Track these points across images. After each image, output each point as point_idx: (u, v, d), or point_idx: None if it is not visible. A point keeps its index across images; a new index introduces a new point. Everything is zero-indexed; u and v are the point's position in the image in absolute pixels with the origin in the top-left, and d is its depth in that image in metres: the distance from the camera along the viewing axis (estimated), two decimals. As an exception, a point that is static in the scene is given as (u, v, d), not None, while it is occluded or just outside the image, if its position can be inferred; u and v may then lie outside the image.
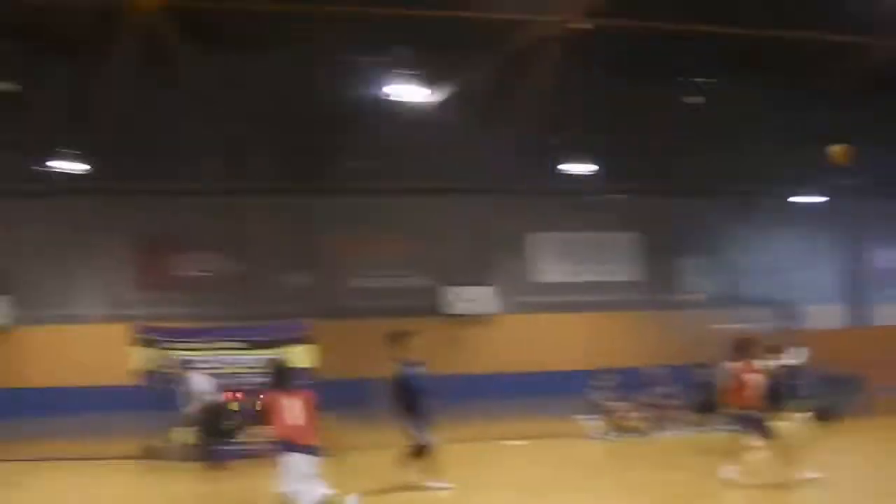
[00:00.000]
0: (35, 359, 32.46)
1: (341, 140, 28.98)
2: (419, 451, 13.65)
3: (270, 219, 33.57)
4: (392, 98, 24.58)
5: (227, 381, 18.35)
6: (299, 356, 17.77)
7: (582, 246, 36.91)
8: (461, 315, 34.65)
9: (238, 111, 26.89)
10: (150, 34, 20.17)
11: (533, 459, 17.85)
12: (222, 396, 18.02)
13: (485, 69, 25.85)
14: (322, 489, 10.46)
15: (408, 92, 24.28)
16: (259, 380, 17.57)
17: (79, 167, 28.64)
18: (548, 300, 36.03)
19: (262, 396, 11.63)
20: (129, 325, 19.69)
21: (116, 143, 27.54)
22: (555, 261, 36.76)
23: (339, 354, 23.16)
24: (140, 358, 18.75)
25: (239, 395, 18.20)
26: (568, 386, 24.53)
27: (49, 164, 29.02)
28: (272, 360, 11.84)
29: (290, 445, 10.36)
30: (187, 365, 18.28)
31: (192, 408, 17.73)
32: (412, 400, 13.60)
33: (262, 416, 11.22)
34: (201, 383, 17.83)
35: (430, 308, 33.90)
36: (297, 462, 10.29)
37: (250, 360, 18.59)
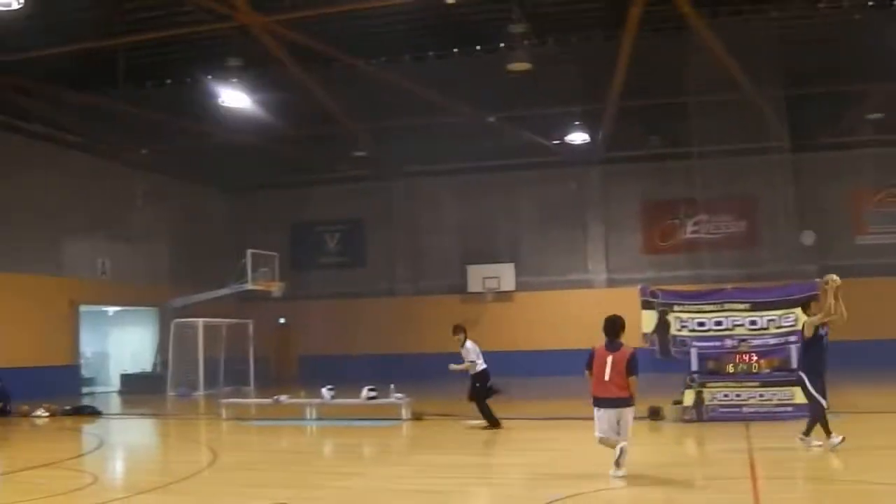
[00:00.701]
0: (537, 323, 34.05)
1: (849, 91, 26.84)
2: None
3: (774, 176, 32.14)
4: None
5: (733, 344, 17.84)
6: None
7: None
8: None
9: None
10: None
11: None
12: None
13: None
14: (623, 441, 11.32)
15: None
16: (772, 341, 17.55)
17: (582, 137, 29.33)
18: None
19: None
20: (634, 288, 19.69)
21: (619, 113, 27.73)
22: None
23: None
24: (646, 321, 18.70)
25: (749, 357, 17.63)
26: None
27: (556, 136, 30.05)
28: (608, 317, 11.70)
29: (598, 399, 11.50)
30: (693, 327, 18.13)
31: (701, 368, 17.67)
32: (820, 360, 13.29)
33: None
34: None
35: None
36: (604, 414, 11.46)
37: (762, 322, 17.96)
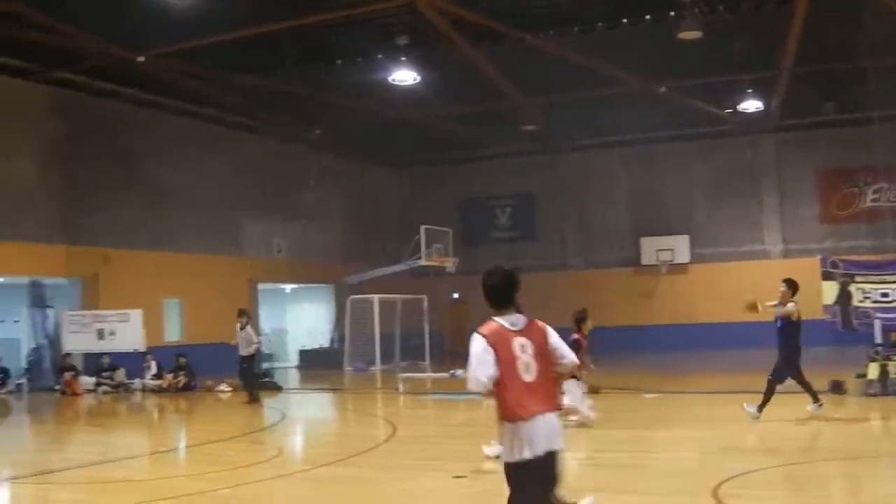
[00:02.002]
0: (709, 295, 33.37)
1: None
2: None
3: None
4: None
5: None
6: None
7: None
8: None
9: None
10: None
11: None
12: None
13: None
14: None
15: None
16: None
17: (755, 105, 28.46)
18: None
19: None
20: (811, 259, 19.08)
21: (793, 80, 26.78)
22: None
23: None
24: (827, 292, 18.12)
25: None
26: None
27: (728, 104, 29.27)
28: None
29: None
30: (876, 298, 17.48)
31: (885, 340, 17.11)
32: None
33: None
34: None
35: None
36: None
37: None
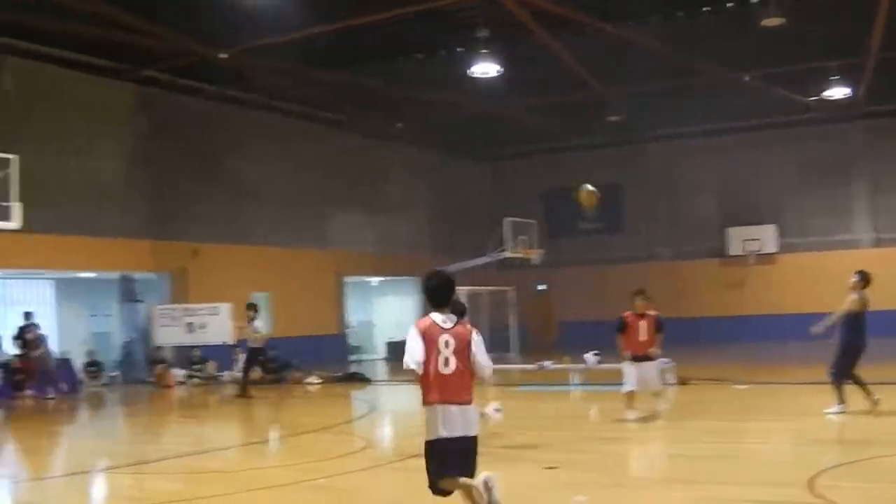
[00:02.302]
0: (797, 285, 32.84)
1: None
2: None
3: None
4: None
5: None
6: None
7: None
8: None
9: None
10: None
11: None
12: None
13: None
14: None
15: None
16: None
17: (842, 92, 27.85)
18: None
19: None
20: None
21: (881, 65, 26.13)
22: None
23: None
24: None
25: None
26: None
27: (814, 92, 28.68)
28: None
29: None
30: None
31: None
32: None
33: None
34: None
35: None
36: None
37: None
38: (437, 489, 7.15)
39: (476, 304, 30.32)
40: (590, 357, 19.62)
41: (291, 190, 29.97)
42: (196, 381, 25.11)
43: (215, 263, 27.17)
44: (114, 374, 26.16)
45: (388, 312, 36.22)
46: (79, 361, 25.55)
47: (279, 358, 25.00)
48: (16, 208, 17.77)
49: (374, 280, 36.03)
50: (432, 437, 7.12)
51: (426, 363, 7.13)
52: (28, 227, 18.76)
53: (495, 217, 32.18)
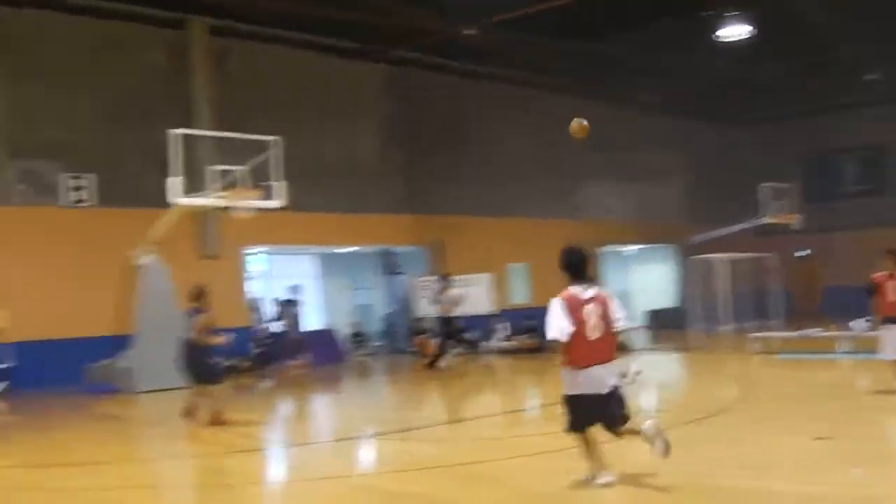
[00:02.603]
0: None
1: None
2: None
3: None
4: None
5: None
6: None
7: None
8: None
9: None
10: None
11: None
12: None
13: None
14: None
15: None
16: None
17: None
18: None
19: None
20: None
21: None
22: None
23: None
24: None
25: None
26: None
27: None
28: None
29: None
30: None
31: None
32: None
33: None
34: None
35: None
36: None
37: None
38: (576, 431, 8.17)
39: (737, 271, 29.31)
40: (859, 323, 18.46)
41: (545, 162, 29.84)
42: (457, 351, 25.44)
43: (471, 236, 27.62)
44: (377, 344, 26.99)
45: (646, 281, 35.72)
46: (343, 333, 26.55)
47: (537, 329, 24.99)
48: (281, 187, 18.49)
49: (630, 249, 35.50)
50: (575, 392, 8.01)
51: (574, 333, 7.86)
52: (292, 205, 19.53)
53: (751, 182, 30.94)
